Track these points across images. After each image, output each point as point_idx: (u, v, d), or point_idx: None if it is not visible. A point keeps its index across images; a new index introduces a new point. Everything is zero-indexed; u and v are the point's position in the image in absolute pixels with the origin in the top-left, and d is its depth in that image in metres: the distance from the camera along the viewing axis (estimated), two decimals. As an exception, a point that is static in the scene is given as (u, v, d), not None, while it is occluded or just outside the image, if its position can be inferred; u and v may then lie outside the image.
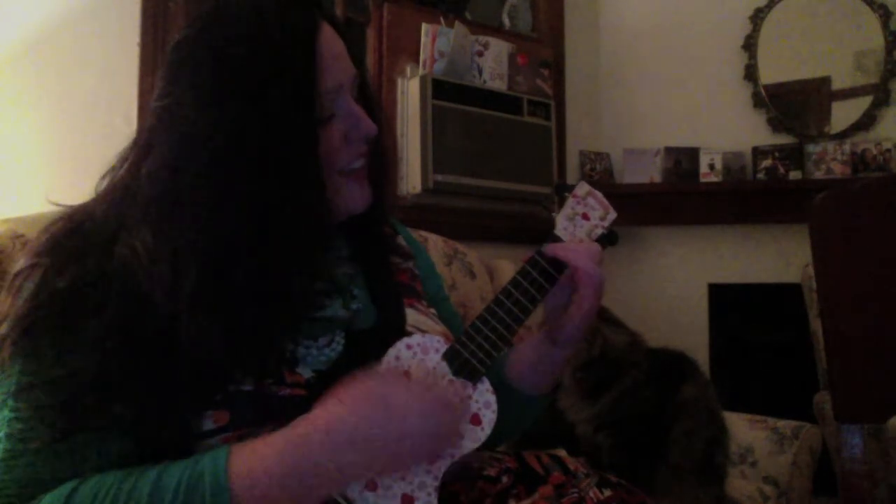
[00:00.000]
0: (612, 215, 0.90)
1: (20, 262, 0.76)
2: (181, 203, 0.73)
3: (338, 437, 0.69)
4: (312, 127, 0.77)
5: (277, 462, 0.68)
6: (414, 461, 0.75)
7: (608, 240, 0.90)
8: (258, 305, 0.73)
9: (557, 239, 0.87)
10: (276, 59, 0.75)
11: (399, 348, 0.79)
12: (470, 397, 0.80)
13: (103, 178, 0.81)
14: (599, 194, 0.90)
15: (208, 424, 0.73)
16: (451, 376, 0.80)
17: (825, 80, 2.89)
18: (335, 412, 0.71)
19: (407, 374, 0.78)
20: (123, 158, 0.81)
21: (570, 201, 0.89)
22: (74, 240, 0.75)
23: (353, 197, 0.84)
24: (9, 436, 0.69)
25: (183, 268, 0.71)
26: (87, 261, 0.73)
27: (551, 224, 0.89)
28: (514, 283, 0.85)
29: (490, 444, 0.82)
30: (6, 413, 0.70)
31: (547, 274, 0.85)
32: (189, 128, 0.73)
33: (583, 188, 0.90)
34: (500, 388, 0.83)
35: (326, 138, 0.79)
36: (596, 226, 0.89)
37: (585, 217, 0.89)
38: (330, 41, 0.80)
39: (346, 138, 0.81)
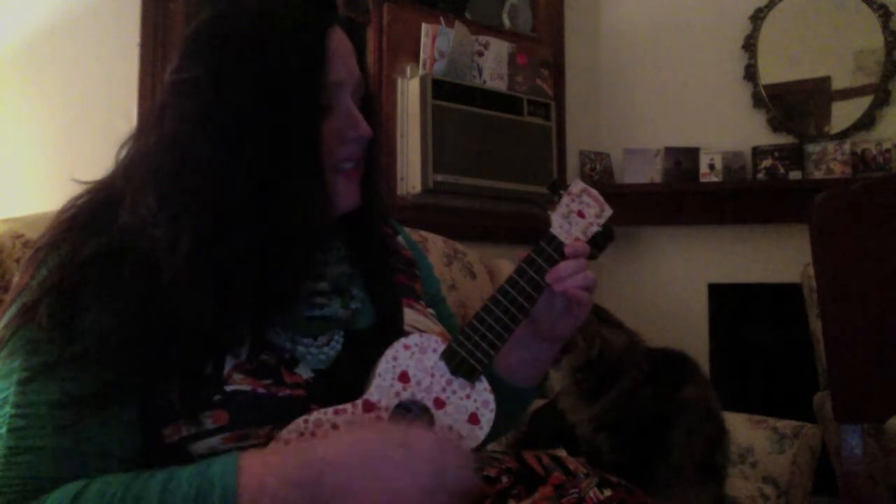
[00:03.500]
0: (608, 212, 0.90)
1: (43, 238, 0.78)
2: (185, 172, 0.75)
3: (349, 460, 0.68)
4: (313, 116, 0.79)
5: (286, 476, 0.67)
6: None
7: (605, 237, 0.90)
8: (249, 276, 0.75)
9: (553, 237, 0.87)
10: (287, 45, 0.77)
11: (397, 348, 0.79)
12: (468, 396, 0.80)
13: (121, 148, 0.83)
14: (594, 191, 0.90)
15: (207, 424, 0.73)
16: (449, 375, 0.80)
17: (825, 80, 2.89)
18: (353, 434, 0.71)
19: (436, 433, 0.77)
20: (140, 131, 0.83)
21: (564, 199, 0.89)
22: (98, 213, 0.77)
23: (343, 195, 0.85)
24: (10, 433, 0.69)
25: (180, 232, 0.74)
26: (111, 231, 0.75)
27: (548, 223, 0.89)
28: (510, 281, 0.85)
29: (485, 440, 0.82)
30: (7, 409, 0.70)
31: (544, 273, 0.85)
32: (199, 102, 0.76)
33: (577, 185, 0.90)
34: (491, 383, 0.83)
35: (322, 132, 0.80)
36: (591, 223, 0.89)
37: (581, 215, 0.88)
38: (339, 39, 0.82)
39: (341, 136, 0.82)
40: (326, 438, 0.72)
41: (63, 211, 0.80)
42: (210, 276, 0.73)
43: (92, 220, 0.77)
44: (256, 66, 0.76)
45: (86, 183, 0.82)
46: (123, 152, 0.83)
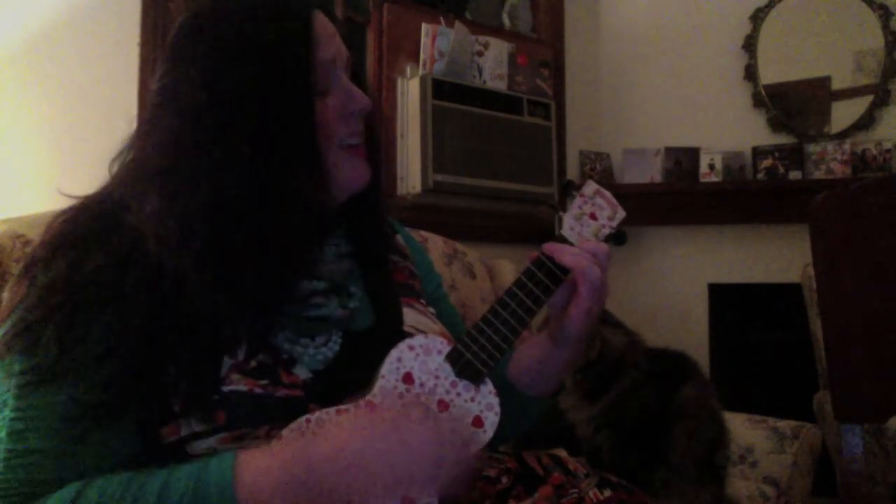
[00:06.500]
0: (621, 215, 0.88)
1: (38, 252, 0.76)
2: (186, 171, 0.75)
3: (345, 455, 0.68)
4: (308, 97, 0.79)
5: (283, 474, 0.67)
6: (416, 497, 0.72)
7: (616, 240, 0.89)
8: (257, 266, 0.75)
9: (564, 239, 0.86)
10: (274, 32, 0.78)
11: (401, 349, 0.79)
12: (472, 399, 0.80)
13: (114, 161, 0.83)
14: (608, 193, 0.89)
15: (205, 424, 0.73)
16: (453, 378, 0.80)
17: (825, 80, 2.89)
18: (348, 429, 0.70)
19: (435, 414, 0.76)
20: (132, 140, 0.82)
21: (577, 200, 0.88)
22: (96, 224, 0.77)
23: (353, 172, 0.85)
24: (10, 435, 0.69)
25: (189, 229, 0.73)
26: (111, 243, 0.74)
27: (554, 223, 0.89)
28: (518, 283, 0.84)
29: (489, 444, 0.82)
30: (7, 413, 0.70)
31: (552, 275, 0.84)
32: (190, 101, 0.76)
33: (591, 187, 0.88)
34: (502, 389, 0.83)
35: (322, 112, 0.81)
36: (603, 225, 0.88)
37: (593, 217, 0.88)
38: (322, 21, 0.83)
39: (341, 113, 0.83)
40: (323, 433, 0.71)
41: (55, 221, 0.78)
42: (220, 268, 0.73)
43: (92, 234, 0.76)
44: (245, 56, 0.77)
45: (76, 197, 0.81)
46: (116, 165, 0.82)
